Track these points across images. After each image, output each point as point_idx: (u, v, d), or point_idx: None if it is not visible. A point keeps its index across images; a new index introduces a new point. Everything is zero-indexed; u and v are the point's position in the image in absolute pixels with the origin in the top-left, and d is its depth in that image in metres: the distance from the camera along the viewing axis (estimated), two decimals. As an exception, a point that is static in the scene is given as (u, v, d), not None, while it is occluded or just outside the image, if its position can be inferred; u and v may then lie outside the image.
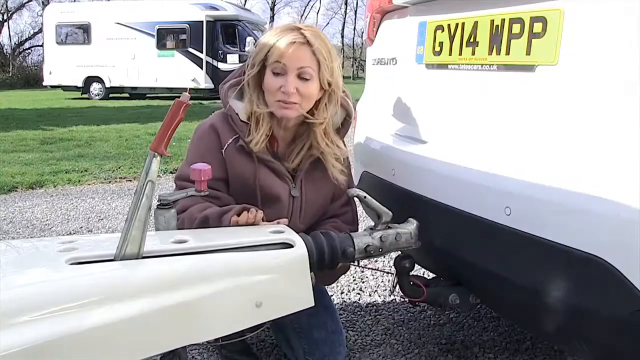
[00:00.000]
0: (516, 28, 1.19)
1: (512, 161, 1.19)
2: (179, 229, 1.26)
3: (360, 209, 1.80)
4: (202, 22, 15.39)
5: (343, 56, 42.35)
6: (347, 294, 2.34)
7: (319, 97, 1.47)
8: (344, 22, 44.94)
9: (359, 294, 2.35)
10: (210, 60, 15.53)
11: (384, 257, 2.69)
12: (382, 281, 2.47)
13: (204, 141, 1.50)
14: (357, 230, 1.63)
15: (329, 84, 1.46)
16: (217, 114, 1.53)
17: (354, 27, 44.20)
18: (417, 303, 1.64)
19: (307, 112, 1.48)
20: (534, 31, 1.15)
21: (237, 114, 1.47)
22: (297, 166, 1.52)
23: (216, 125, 1.49)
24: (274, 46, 1.40)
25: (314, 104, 1.47)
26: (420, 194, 1.45)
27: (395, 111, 1.67)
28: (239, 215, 1.33)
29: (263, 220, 1.34)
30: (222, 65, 15.07)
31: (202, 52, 15.51)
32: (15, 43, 33.17)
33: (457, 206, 1.31)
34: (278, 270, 1.14)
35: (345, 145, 1.63)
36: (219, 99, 1.59)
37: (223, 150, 1.47)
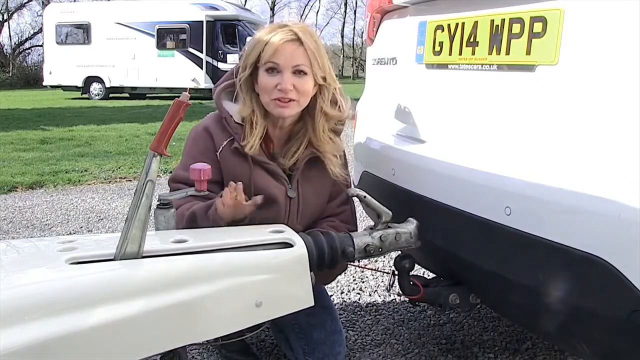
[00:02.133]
0: (516, 28, 1.19)
1: (512, 161, 1.19)
2: None
3: (360, 209, 1.80)
4: (202, 22, 15.40)
5: (343, 56, 42.38)
6: (347, 294, 2.34)
7: (314, 92, 1.47)
8: (344, 22, 44.95)
9: (359, 294, 2.35)
10: (210, 60, 15.54)
11: (384, 256, 2.69)
12: (382, 281, 2.47)
13: (198, 144, 1.50)
14: (356, 229, 1.63)
15: (323, 78, 1.46)
16: (211, 116, 1.53)
17: (354, 27, 44.17)
18: (417, 303, 1.64)
19: (304, 110, 1.48)
20: (534, 31, 1.15)
21: (231, 116, 1.47)
22: (294, 165, 1.52)
23: (210, 128, 1.49)
24: (266, 46, 1.40)
25: (309, 100, 1.47)
26: (420, 194, 1.45)
27: (396, 111, 1.67)
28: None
29: (245, 193, 1.35)
30: (222, 65, 15.07)
31: (202, 52, 15.52)
32: (15, 43, 33.22)
33: (457, 206, 1.31)
34: (278, 270, 1.14)
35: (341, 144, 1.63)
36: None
37: (217, 153, 1.47)
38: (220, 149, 1.47)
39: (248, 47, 1.46)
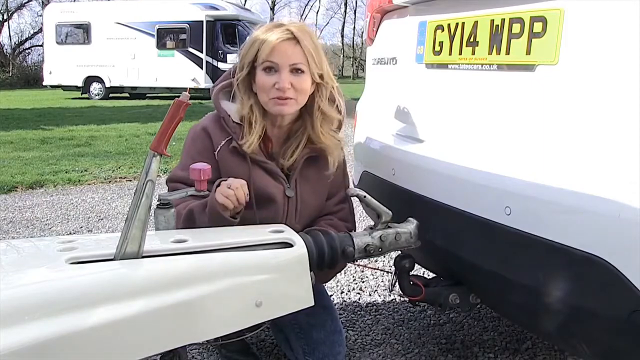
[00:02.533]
0: (516, 28, 1.19)
1: (512, 161, 1.19)
2: None
3: (360, 209, 1.79)
4: (202, 22, 15.39)
5: (343, 56, 42.36)
6: (347, 294, 2.34)
7: (312, 90, 1.47)
8: (344, 22, 44.95)
9: (359, 293, 2.35)
10: (210, 60, 15.53)
11: (384, 256, 2.69)
12: (382, 281, 2.47)
13: (196, 144, 1.50)
14: (354, 228, 1.63)
15: (320, 77, 1.46)
16: (209, 116, 1.53)
17: (354, 27, 44.17)
18: (417, 303, 1.64)
19: (302, 108, 1.48)
20: (534, 31, 1.15)
21: (229, 115, 1.47)
22: (292, 165, 1.52)
23: (208, 128, 1.49)
24: (263, 46, 1.40)
25: (308, 98, 1.47)
26: (420, 194, 1.45)
27: (395, 111, 1.67)
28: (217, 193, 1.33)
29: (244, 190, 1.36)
30: (222, 65, 15.05)
31: (202, 52, 15.52)
32: (15, 43, 33.21)
33: (457, 206, 1.31)
34: (278, 269, 1.14)
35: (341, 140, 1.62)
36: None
37: (216, 153, 1.47)
38: (219, 148, 1.47)
39: (245, 46, 1.46)
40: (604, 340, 1.10)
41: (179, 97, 1.05)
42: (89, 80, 16.59)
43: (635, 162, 0.95)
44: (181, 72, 15.52)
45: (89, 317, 0.90)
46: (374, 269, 2.54)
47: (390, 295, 2.30)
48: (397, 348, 1.89)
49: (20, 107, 12.84)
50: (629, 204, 0.94)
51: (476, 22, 1.30)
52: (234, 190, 1.33)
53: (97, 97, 16.54)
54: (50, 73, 17.05)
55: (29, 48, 33.70)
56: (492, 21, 1.25)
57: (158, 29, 15.82)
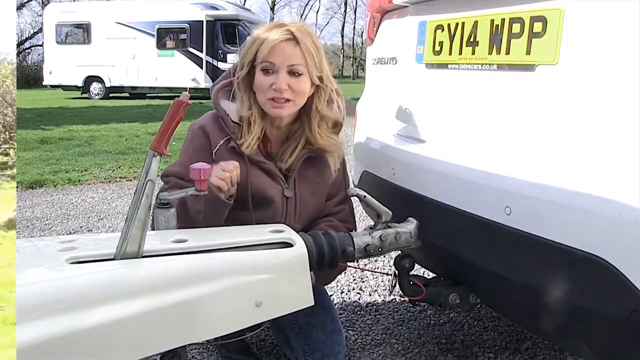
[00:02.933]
0: (516, 28, 1.19)
1: (512, 161, 1.19)
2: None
3: (360, 209, 1.79)
4: (202, 21, 15.41)
5: (343, 56, 42.38)
6: (347, 294, 2.34)
7: (311, 92, 1.47)
8: (344, 22, 45.00)
9: (359, 293, 2.35)
10: (210, 59, 15.54)
11: (384, 256, 2.69)
12: (382, 281, 2.47)
13: (194, 142, 1.49)
14: (355, 228, 1.63)
15: (320, 79, 1.46)
16: (208, 115, 1.53)
17: (354, 27, 44.23)
18: (417, 302, 1.64)
19: (301, 110, 1.48)
20: (534, 31, 1.15)
21: (228, 115, 1.47)
22: (291, 166, 1.52)
23: (206, 127, 1.49)
24: (262, 46, 1.40)
25: (307, 100, 1.47)
26: (420, 194, 1.45)
27: (396, 111, 1.67)
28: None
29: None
30: (222, 65, 15.07)
31: (202, 52, 15.53)
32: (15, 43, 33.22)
33: (457, 206, 1.31)
34: (278, 269, 1.14)
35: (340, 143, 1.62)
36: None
37: (213, 152, 1.46)
38: (217, 148, 1.47)
39: (245, 45, 1.46)
40: (604, 340, 1.10)
41: (179, 97, 1.05)
42: (89, 80, 16.60)
43: (635, 162, 0.95)
44: (181, 72, 15.53)
45: (89, 317, 0.90)
46: (374, 271, 2.54)
47: (390, 295, 2.30)
48: (397, 348, 1.89)
49: (20, 107, 12.82)
50: (629, 204, 0.94)
51: (476, 22, 1.30)
52: (229, 173, 1.33)
53: (97, 97, 16.55)
54: (50, 73, 17.06)
55: (29, 48, 33.70)
56: (492, 21, 1.25)
57: (158, 28, 15.83)
